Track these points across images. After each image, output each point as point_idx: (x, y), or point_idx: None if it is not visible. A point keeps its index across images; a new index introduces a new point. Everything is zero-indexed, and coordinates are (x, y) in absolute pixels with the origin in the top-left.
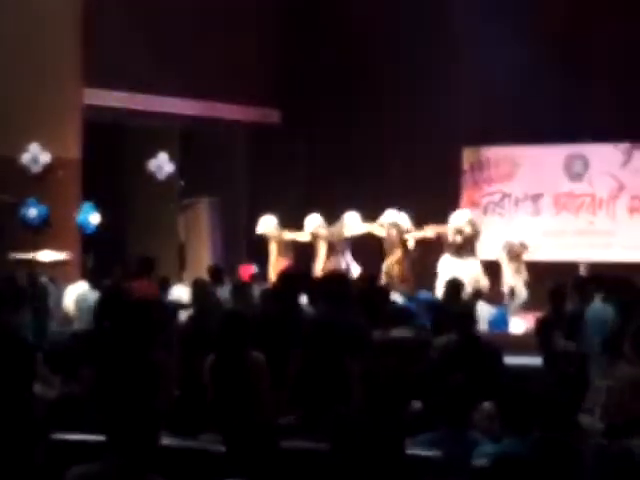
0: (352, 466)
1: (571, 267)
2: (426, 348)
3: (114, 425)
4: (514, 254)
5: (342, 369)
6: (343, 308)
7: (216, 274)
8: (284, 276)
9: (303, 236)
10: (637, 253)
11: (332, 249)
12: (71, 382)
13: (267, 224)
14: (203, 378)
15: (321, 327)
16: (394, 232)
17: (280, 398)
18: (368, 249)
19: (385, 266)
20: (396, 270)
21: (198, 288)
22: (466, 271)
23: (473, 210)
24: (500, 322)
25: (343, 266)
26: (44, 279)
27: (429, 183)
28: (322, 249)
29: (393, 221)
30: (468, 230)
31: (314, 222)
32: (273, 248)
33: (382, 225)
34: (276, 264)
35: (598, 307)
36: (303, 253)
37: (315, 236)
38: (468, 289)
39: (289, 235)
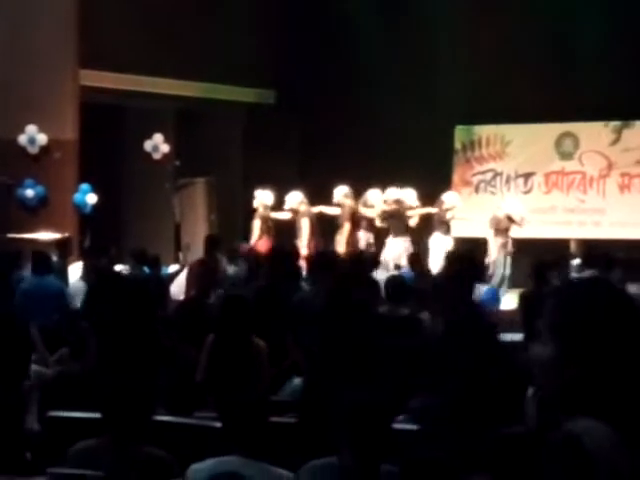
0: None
1: (562, 244)
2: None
3: (112, 401)
4: (500, 228)
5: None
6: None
7: (214, 242)
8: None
9: (285, 215)
10: (627, 230)
11: (357, 224)
12: (67, 360)
13: (261, 199)
14: (200, 357)
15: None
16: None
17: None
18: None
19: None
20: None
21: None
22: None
23: (465, 189)
24: (491, 299)
25: (363, 241)
26: (54, 258)
27: (421, 162)
28: (305, 227)
29: (397, 198)
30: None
31: (341, 192)
32: (257, 225)
33: (386, 202)
34: (258, 241)
35: None
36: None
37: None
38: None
39: (273, 214)
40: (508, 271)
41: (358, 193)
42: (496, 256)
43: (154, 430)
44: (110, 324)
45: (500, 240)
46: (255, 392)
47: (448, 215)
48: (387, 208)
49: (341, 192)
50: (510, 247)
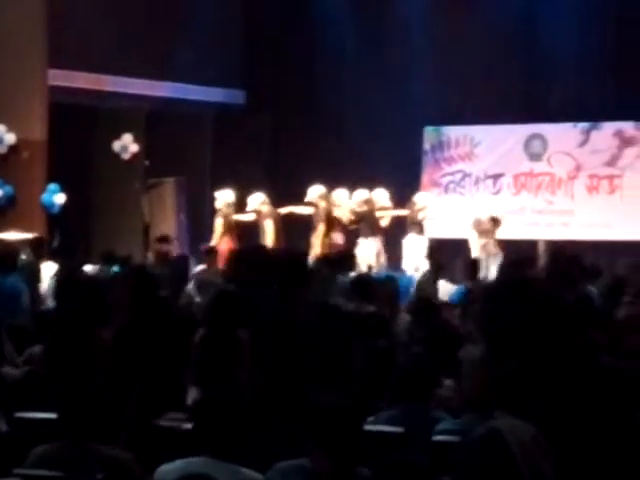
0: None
1: (530, 245)
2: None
3: (69, 403)
4: (483, 230)
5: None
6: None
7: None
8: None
9: (249, 216)
10: (595, 231)
11: (332, 225)
12: (36, 360)
13: (223, 198)
14: (192, 354)
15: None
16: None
17: None
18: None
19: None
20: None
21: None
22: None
23: (434, 189)
24: (460, 299)
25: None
26: (24, 257)
27: (390, 163)
28: (269, 228)
29: (367, 198)
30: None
31: (316, 192)
32: (219, 224)
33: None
34: (220, 241)
35: None
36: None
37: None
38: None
39: (237, 216)
40: (491, 272)
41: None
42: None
43: (123, 431)
44: (72, 324)
45: (482, 241)
46: (241, 386)
47: (420, 215)
48: (357, 209)
49: (316, 192)
50: (492, 248)
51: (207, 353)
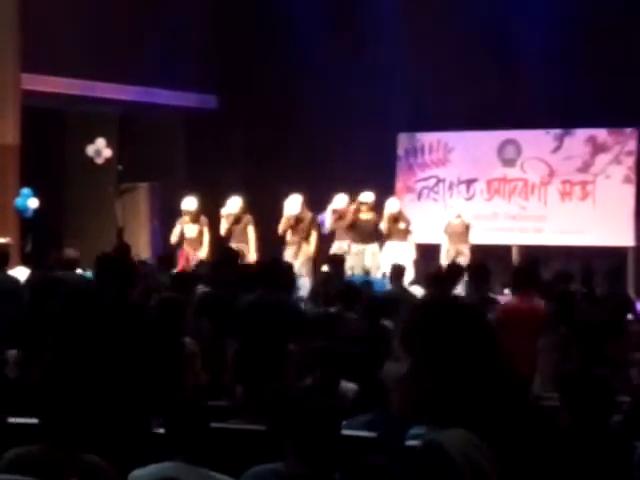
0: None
1: (503, 250)
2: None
3: (48, 407)
4: (454, 234)
5: (281, 352)
6: (278, 292)
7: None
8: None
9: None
10: (567, 237)
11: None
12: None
13: (186, 204)
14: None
15: (261, 310)
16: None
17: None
18: None
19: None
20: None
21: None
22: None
23: (408, 195)
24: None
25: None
26: None
27: (364, 169)
28: (251, 233)
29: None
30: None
31: (298, 203)
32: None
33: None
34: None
35: None
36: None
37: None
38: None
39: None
40: None
41: (303, 199)
42: (445, 262)
43: (97, 436)
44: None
45: (453, 247)
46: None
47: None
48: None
49: (298, 202)
50: (464, 253)
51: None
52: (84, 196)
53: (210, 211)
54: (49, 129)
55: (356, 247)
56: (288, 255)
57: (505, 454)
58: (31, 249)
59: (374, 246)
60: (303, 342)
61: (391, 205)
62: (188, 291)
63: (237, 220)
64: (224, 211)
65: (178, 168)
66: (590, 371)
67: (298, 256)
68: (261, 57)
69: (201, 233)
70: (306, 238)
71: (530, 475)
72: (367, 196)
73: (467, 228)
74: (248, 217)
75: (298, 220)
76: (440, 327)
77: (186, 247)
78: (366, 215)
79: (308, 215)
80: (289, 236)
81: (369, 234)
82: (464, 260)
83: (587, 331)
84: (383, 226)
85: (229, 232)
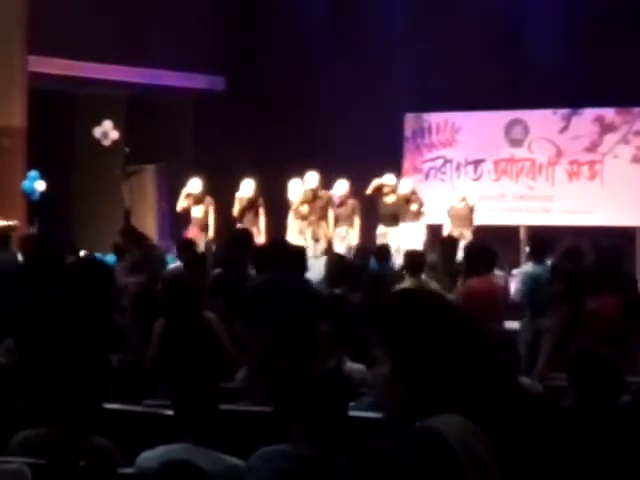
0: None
1: (511, 231)
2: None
3: (56, 390)
4: (456, 217)
5: (314, 332)
6: (286, 274)
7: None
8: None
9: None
10: (575, 217)
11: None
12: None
13: (193, 186)
14: (152, 344)
15: (269, 293)
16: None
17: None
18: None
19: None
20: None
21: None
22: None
23: (415, 176)
24: None
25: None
26: None
27: (371, 150)
28: (262, 215)
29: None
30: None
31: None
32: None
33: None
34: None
35: None
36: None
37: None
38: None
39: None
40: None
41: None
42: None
43: (104, 418)
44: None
45: (457, 230)
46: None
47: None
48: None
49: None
50: (466, 237)
51: (170, 343)
52: (91, 178)
53: (218, 193)
54: (56, 111)
55: (381, 229)
56: (307, 236)
57: (500, 440)
58: (37, 231)
59: (397, 229)
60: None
61: (403, 186)
62: (202, 272)
63: (251, 203)
64: (238, 194)
65: (185, 150)
66: (597, 351)
67: (319, 236)
68: (269, 39)
69: (206, 214)
70: (324, 217)
71: (529, 459)
72: (390, 178)
73: (471, 211)
74: (260, 200)
75: (314, 198)
76: (417, 321)
77: (192, 227)
78: (390, 198)
79: (325, 194)
80: (298, 216)
81: (393, 216)
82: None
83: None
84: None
85: (242, 215)
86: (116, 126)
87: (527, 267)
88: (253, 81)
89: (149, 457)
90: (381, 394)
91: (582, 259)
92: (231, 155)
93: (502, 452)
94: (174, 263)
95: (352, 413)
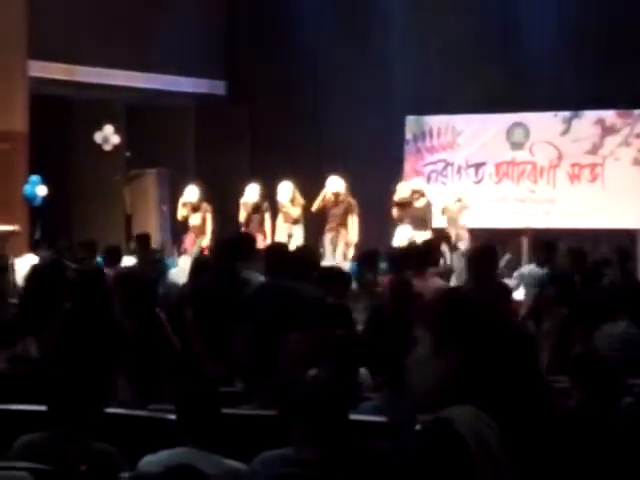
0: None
1: (513, 234)
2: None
3: (57, 394)
4: (452, 219)
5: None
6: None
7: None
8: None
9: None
10: (576, 220)
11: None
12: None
13: (190, 194)
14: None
15: (265, 297)
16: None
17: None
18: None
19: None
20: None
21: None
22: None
23: (416, 179)
24: None
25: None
26: None
27: (372, 152)
28: (267, 219)
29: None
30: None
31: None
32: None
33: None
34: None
35: None
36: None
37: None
38: None
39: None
40: (454, 263)
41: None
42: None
43: (106, 423)
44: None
45: (452, 230)
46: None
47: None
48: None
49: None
50: (464, 238)
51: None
52: (92, 183)
53: (219, 197)
54: (57, 116)
55: (409, 232)
56: (326, 241)
57: (515, 433)
58: (40, 237)
59: (426, 233)
60: (305, 330)
61: (401, 190)
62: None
63: (256, 208)
64: (242, 200)
65: (186, 154)
66: (598, 353)
67: (338, 242)
68: (270, 43)
69: (204, 220)
70: (344, 224)
71: (539, 455)
72: (418, 182)
73: (460, 208)
74: (265, 205)
75: (333, 203)
76: (466, 315)
77: (189, 235)
78: (420, 202)
79: (346, 200)
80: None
81: (422, 220)
82: (463, 245)
83: (588, 312)
84: (394, 211)
85: (247, 220)
86: (117, 131)
87: (528, 269)
88: (253, 86)
89: (151, 461)
90: (417, 374)
91: (585, 262)
92: (232, 159)
93: (512, 443)
94: (174, 267)
95: (353, 417)
